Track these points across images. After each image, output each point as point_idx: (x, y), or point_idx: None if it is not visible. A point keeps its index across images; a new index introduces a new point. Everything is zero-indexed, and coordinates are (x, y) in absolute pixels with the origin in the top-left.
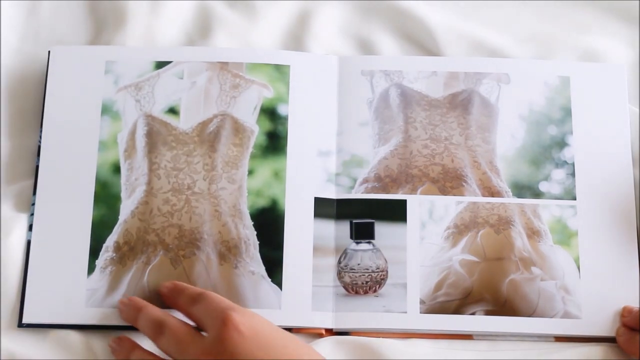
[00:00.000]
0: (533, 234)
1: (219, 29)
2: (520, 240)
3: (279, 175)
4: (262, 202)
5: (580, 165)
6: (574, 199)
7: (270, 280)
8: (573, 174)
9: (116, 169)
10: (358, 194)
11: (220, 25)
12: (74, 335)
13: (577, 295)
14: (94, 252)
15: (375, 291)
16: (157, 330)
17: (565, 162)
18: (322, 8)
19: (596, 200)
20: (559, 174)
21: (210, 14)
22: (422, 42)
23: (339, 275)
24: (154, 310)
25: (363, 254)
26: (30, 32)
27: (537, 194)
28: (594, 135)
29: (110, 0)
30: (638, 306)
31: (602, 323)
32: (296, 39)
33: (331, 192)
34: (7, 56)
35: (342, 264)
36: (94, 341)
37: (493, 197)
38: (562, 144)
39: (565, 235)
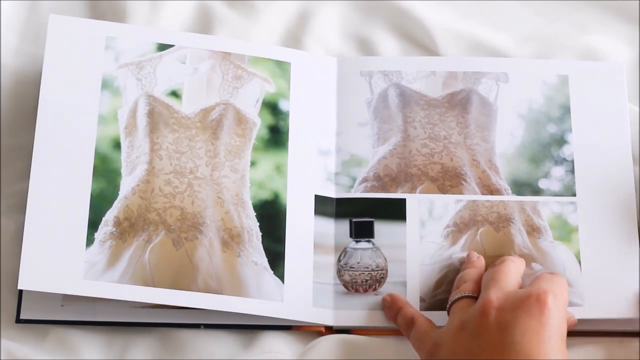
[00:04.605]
0: (533, 230)
1: (219, 28)
2: (520, 237)
3: (280, 170)
4: (264, 194)
5: (580, 162)
6: (574, 195)
7: (272, 272)
8: (572, 171)
9: (116, 145)
10: (357, 193)
11: (220, 25)
12: (74, 335)
13: (578, 287)
14: (93, 225)
15: (375, 289)
16: (408, 327)
17: (565, 160)
18: (321, 8)
19: (596, 195)
20: (558, 171)
21: (210, 14)
22: (421, 42)
23: (339, 273)
24: (409, 310)
25: (363, 253)
26: (30, 32)
27: (537, 191)
28: (594, 132)
29: (110, 0)
30: None
31: (605, 311)
32: (296, 38)
33: (331, 191)
34: (7, 56)
35: (341, 262)
36: (94, 341)
37: (492, 195)
38: (561, 141)
39: (565, 231)
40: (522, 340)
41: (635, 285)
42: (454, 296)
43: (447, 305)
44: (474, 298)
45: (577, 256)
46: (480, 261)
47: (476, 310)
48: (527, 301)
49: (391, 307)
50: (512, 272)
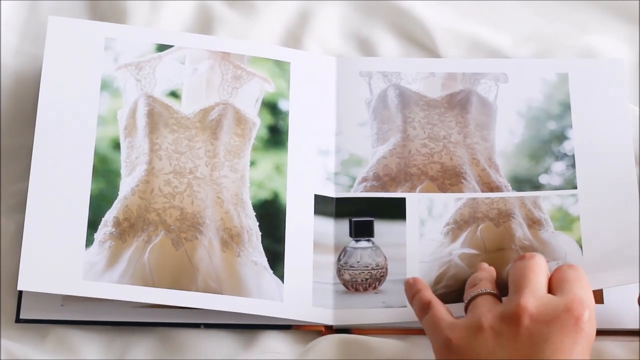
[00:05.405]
0: (534, 223)
1: (219, 28)
2: (520, 230)
3: (280, 169)
4: (264, 194)
5: (581, 156)
6: (575, 188)
7: (272, 272)
8: (573, 165)
9: (116, 145)
10: (357, 192)
11: (220, 25)
12: (74, 335)
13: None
14: (93, 226)
15: (375, 288)
16: (423, 311)
17: (565, 155)
18: (321, 8)
19: (597, 187)
20: (559, 166)
21: (210, 14)
22: (421, 42)
23: (339, 272)
24: (427, 294)
25: (362, 252)
26: (30, 32)
27: (537, 187)
28: (594, 127)
29: (110, 0)
30: None
31: (605, 282)
32: (296, 38)
33: (330, 191)
34: (7, 56)
35: (341, 262)
36: (94, 340)
37: (492, 192)
38: (561, 137)
39: (566, 222)
40: (551, 357)
41: (635, 253)
42: (473, 292)
43: (466, 302)
44: (495, 295)
45: (579, 242)
46: (491, 268)
47: (508, 313)
48: (564, 317)
49: (410, 289)
50: (543, 270)
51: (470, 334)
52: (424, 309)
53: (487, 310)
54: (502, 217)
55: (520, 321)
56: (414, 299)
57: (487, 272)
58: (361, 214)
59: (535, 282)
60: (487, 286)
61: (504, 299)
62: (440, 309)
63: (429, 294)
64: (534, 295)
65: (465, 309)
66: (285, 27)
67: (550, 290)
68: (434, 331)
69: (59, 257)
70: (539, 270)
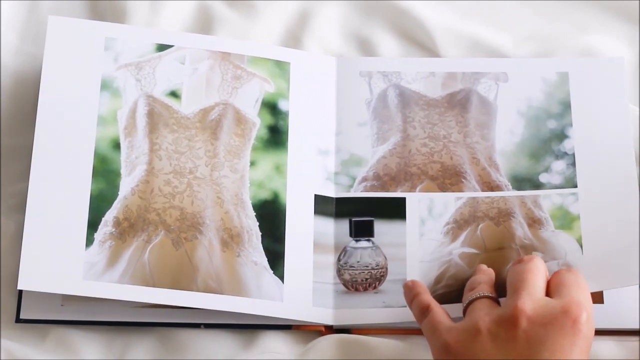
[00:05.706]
0: (534, 222)
1: (219, 28)
2: (520, 229)
3: (280, 170)
4: (263, 194)
5: (581, 154)
6: (575, 187)
7: (272, 272)
8: (573, 164)
9: (116, 145)
10: (357, 192)
11: (220, 25)
12: (74, 335)
13: (579, 268)
14: (93, 226)
15: (375, 288)
16: (422, 314)
17: (565, 154)
18: (322, 8)
19: (597, 185)
20: (559, 165)
21: (210, 14)
22: (421, 42)
23: (339, 272)
24: (426, 297)
25: (362, 252)
26: (30, 32)
27: (537, 186)
28: (594, 125)
29: (110, 0)
30: None
31: (605, 284)
32: (296, 38)
33: (330, 191)
34: (7, 56)
35: (341, 262)
36: (94, 340)
37: (492, 191)
38: (561, 136)
39: (567, 220)
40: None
41: (635, 253)
42: (471, 296)
43: (464, 305)
44: (493, 299)
45: (579, 241)
46: (490, 270)
47: (505, 316)
48: (561, 319)
49: (409, 292)
50: (541, 272)
51: (468, 338)
52: (422, 312)
53: (484, 314)
54: (502, 216)
55: (518, 324)
56: (413, 302)
57: (485, 274)
58: (361, 214)
59: (533, 285)
60: (485, 289)
61: (501, 300)
62: (439, 312)
63: (427, 298)
64: (531, 298)
65: (464, 313)
66: (285, 27)
67: (548, 294)
68: (432, 335)
69: (59, 257)
70: (537, 273)
